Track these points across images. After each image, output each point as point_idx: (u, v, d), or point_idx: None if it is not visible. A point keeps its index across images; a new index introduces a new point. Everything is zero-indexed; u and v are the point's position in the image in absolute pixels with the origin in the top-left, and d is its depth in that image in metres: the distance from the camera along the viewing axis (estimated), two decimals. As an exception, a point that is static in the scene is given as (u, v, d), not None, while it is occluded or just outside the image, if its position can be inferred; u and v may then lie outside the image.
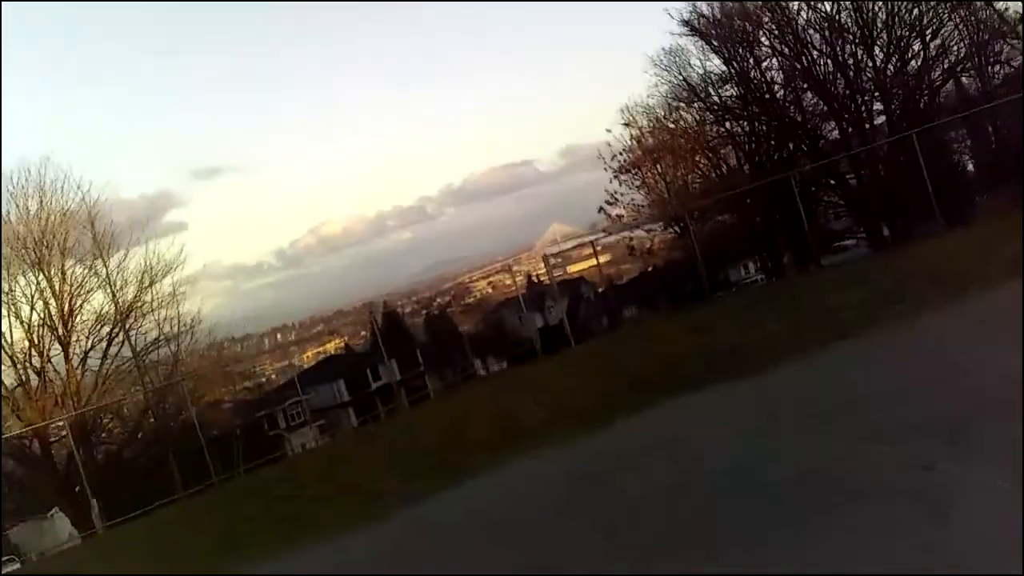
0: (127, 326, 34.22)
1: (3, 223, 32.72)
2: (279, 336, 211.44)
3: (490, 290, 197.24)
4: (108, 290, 33.81)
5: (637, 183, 35.75)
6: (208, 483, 26.46)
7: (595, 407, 12.42)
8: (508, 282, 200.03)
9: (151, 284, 34.55)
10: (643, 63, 40.31)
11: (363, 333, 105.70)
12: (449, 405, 20.80)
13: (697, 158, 40.43)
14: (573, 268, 48.82)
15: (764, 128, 39.17)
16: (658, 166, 36.13)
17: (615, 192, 36.86)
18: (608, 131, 38.66)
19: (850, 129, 36.76)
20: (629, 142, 36.48)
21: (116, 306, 33.84)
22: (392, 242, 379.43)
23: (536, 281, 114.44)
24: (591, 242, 34.66)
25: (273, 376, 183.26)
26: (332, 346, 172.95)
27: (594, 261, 44.11)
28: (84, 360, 33.71)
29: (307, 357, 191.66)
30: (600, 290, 77.87)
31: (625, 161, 36.39)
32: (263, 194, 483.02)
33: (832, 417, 8.82)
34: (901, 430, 7.70)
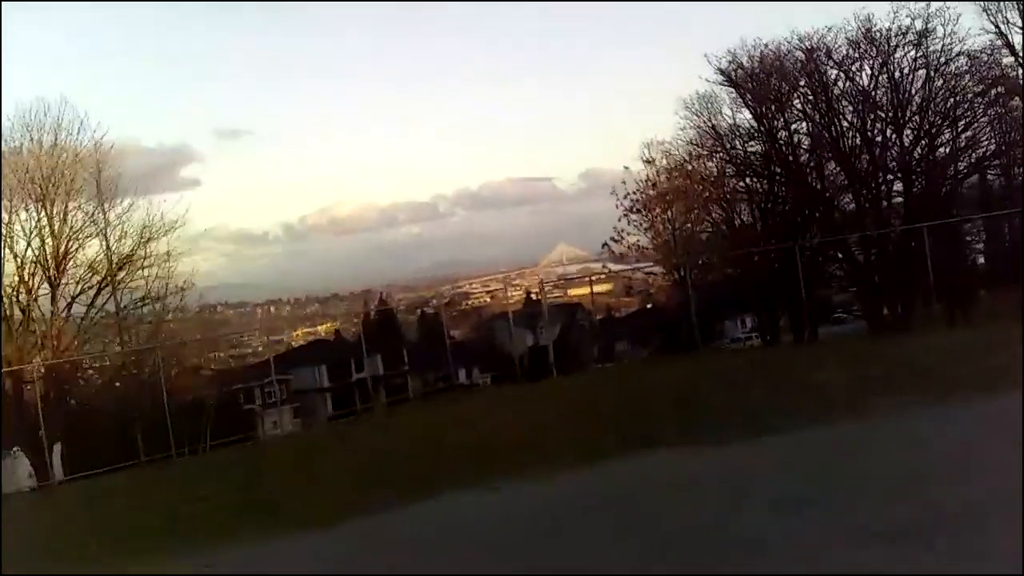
0: (118, 279, 33.97)
1: (14, 153, 32.68)
2: (273, 309, 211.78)
3: (488, 299, 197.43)
4: (103, 242, 33.55)
5: (645, 225, 35.68)
6: (168, 454, 26.31)
7: (555, 448, 12.23)
8: (508, 293, 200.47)
9: (148, 240, 34.26)
10: (675, 103, 40.31)
11: (356, 320, 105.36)
12: (423, 417, 20.72)
13: (711, 208, 40.33)
14: (574, 292, 48.60)
15: (783, 190, 39.09)
16: (670, 211, 36.02)
17: (622, 230, 36.78)
18: (625, 168, 38.70)
19: (867, 205, 36.65)
20: (643, 183, 36.48)
21: (109, 259, 33.61)
22: (400, 234, 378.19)
23: (534, 298, 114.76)
24: (588, 278, 34.63)
25: (260, 348, 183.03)
26: (324, 329, 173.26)
27: (597, 288, 44.08)
28: (70, 306, 33.53)
29: (297, 335, 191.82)
30: (597, 318, 77.84)
31: (636, 201, 36.35)
32: (280, 165, 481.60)
33: (786, 506, 8.56)
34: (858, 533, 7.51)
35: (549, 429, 13.81)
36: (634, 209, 36.01)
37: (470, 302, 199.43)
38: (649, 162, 40.04)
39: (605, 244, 39.71)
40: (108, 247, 34.08)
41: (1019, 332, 17.39)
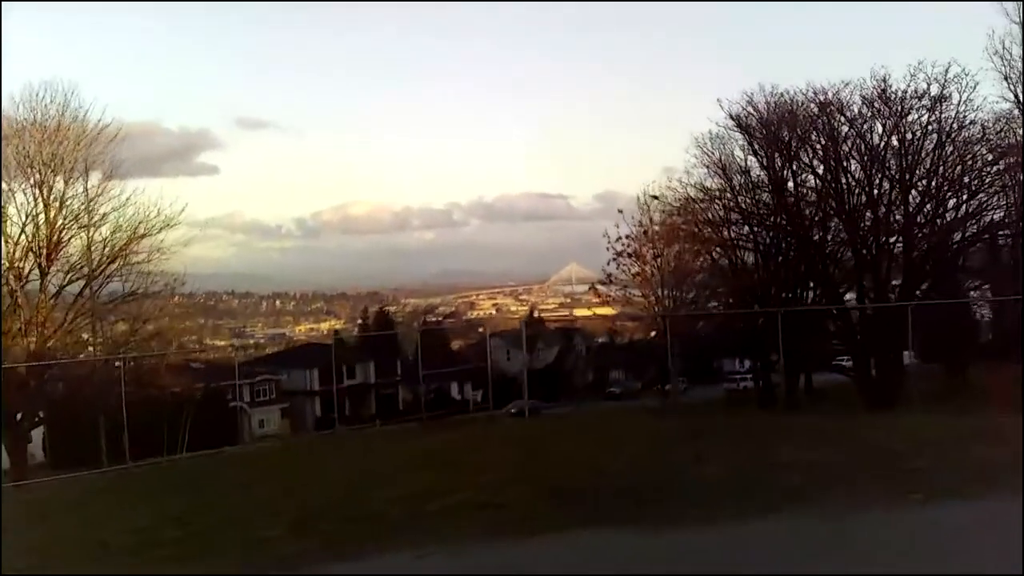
0: (107, 271, 33.89)
1: (16, 135, 32.61)
2: (278, 303, 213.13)
3: (494, 312, 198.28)
4: (89, 233, 33.47)
5: (635, 270, 35.43)
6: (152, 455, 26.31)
7: (503, 512, 11.93)
8: (513, 308, 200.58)
9: (143, 236, 34.12)
10: (687, 140, 40.26)
11: (359, 322, 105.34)
12: (391, 450, 20.46)
13: (709, 252, 40.14)
14: (579, 312, 48.62)
15: (785, 240, 38.86)
16: (659, 258, 35.82)
17: (611, 275, 36.65)
18: (620, 211, 38.56)
19: (867, 263, 36.29)
20: (636, 227, 36.32)
21: (89, 250, 33.49)
22: (412, 239, 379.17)
23: (536, 317, 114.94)
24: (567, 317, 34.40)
25: (262, 340, 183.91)
26: (327, 326, 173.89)
27: (602, 310, 43.87)
28: (58, 294, 33.45)
29: (300, 331, 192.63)
30: (597, 341, 77.85)
31: (626, 246, 36.19)
32: (299, 159, 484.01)
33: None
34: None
35: (494, 487, 13.47)
36: (624, 254, 35.85)
37: (475, 313, 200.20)
38: (655, 198, 39.98)
39: (592, 286, 39.68)
40: (89, 246, 33.92)
41: (1013, 421, 17.17)
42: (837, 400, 35.93)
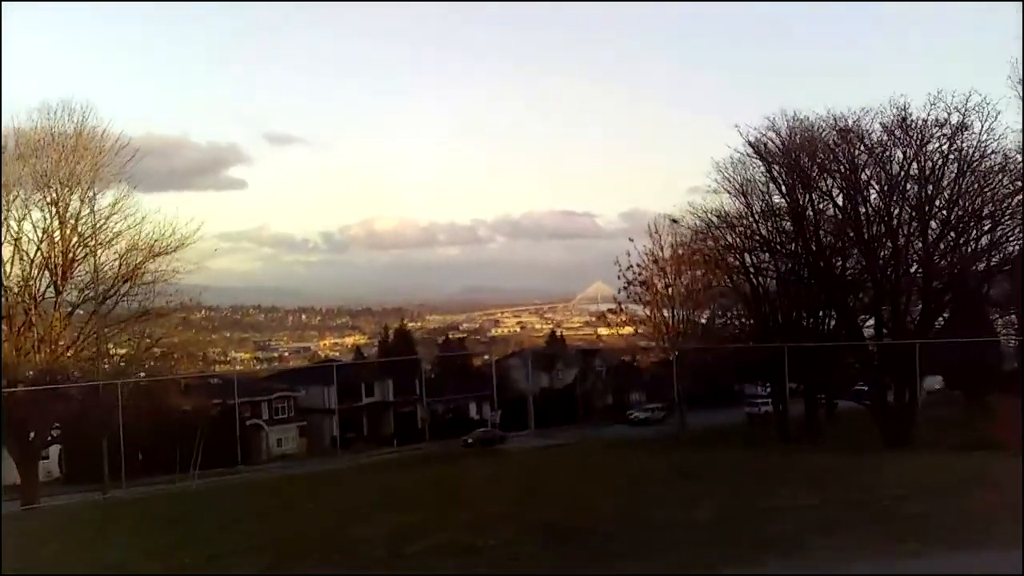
0: (122, 291, 34.02)
1: (32, 155, 32.82)
2: (304, 317, 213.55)
3: (518, 329, 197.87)
4: (101, 253, 33.61)
5: (647, 298, 35.18)
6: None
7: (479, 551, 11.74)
8: (538, 326, 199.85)
9: (158, 255, 34.23)
10: (709, 164, 39.99)
11: (379, 339, 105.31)
12: (384, 483, 20.30)
13: (725, 277, 39.95)
14: (603, 331, 48.36)
15: (804, 269, 38.49)
16: (671, 287, 35.65)
17: (621, 302, 36.46)
18: (631, 240, 38.38)
19: (887, 284, 35.77)
20: (647, 255, 36.13)
21: (97, 271, 33.60)
22: (437, 255, 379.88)
23: (559, 336, 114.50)
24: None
25: (287, 354, 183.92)
26: (351, 341, 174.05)
27: (624, 329, 43.75)
28: (71, 313, 33.57)
29: (324, 345, 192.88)
30: (622, 361, 77.13)
31: (637, 275, 35.99)
32: (326, 174, 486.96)
33: None
34: None
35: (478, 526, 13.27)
36: (635, 282, 35.65)
37: (500, 330, 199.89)
38: (674, 221, 39.87)
39: (603, 315, 39.60)
40: (117, 256, 34.14)
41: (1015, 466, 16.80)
42: (853, 430, 35.47)
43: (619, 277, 35.61)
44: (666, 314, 35.93)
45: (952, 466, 18.31)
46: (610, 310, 39.36)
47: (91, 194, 33.59)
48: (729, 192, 39.72)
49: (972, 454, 20.68)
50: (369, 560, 11.90)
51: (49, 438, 36.20)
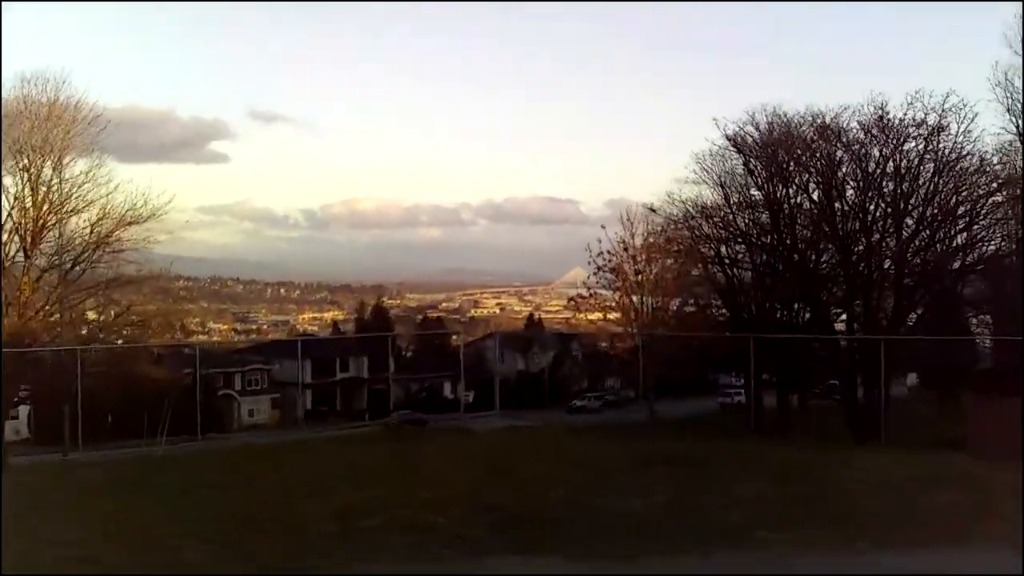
0: (93, 258, 33.79)
1: (5, 120, 32.47)
2: (283, 291, 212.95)
3: (498, 311, 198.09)
4: (72, 220, 33.38)
5: (617, 285, 35.26)
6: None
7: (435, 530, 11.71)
8: (517, 308, 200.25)
9: (131, 224, 33.97)
10: (688, 157, 40.04)
11: (355, 316, 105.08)
12: (347, 458, 20.25)
13: (704, 266, 40.09)
14: (584, 315, 48.07)
15: (779, 262, 38.62)
16: (644, 271, 35.67)
17: (591, 288, 36.52)
18: (603, 227, 38.48)
19: (859, 280, 35.93)
20: (618, 243, 36.12)
21: (60, 236, 33.33)
22: (419, 236, 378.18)
23: (537, 320, 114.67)
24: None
25: (265, 327, 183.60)
26: (330, 316, 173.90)
27: (593, 314, 43.68)
28: (40, 279, 33.31)
29: (303, 319, 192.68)
30: (601, 345, 77.14)
31: (608, 261, 36.00)
32: (310, 152, 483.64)
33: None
34: None
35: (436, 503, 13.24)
36: (605, 268, 35.72)
37: (479, 311, 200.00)
38: (653, 210, 39.95)
39: (571, 299, 39.69)
40: (88, 224, 33.89)
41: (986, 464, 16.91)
42: (823, 425, 35.60)
43: (589, 263, 35.69)
44: (635, 300, 35.97)
45: (914, 464, 18.40)
46: (580, 295, 39.39)
47: (64, 162, 33.29)
48: (708, 183, 39.85)
49: (936, 453, 20.78)
50: (318, 535, 11.87)
51: (16, 399, 36.04)
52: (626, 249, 35.64)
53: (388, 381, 64.30)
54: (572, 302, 39.51)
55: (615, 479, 15.90)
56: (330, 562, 10.64)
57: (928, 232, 35.71)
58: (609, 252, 35.60)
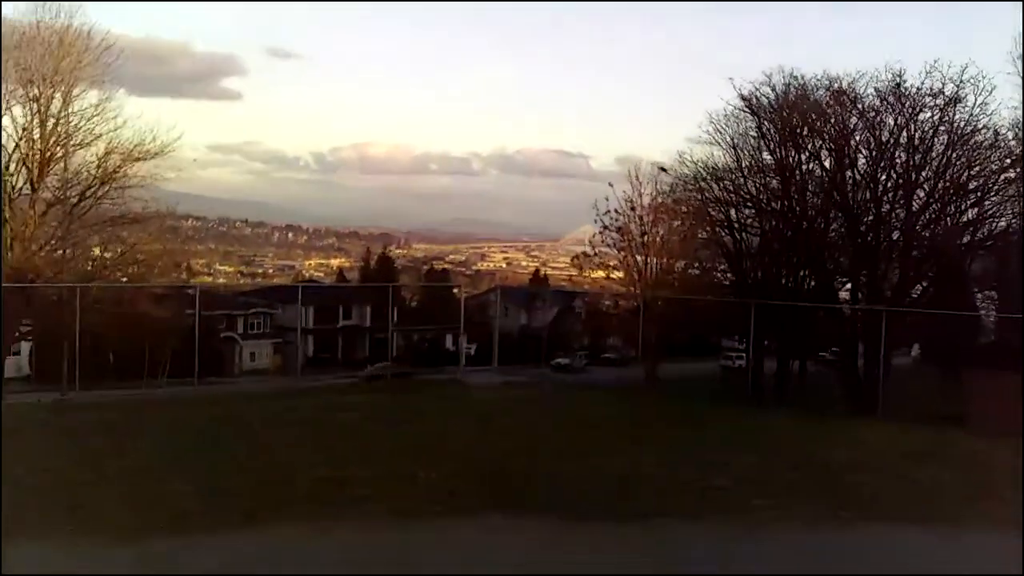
0: (99, 194, 33.64)
1: (15, 48, 32.17)
2: (290, 235, 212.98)
3: (504, 265, 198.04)
4: (79, 153, 33.19)
5: (622, 244, 35.04)
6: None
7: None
8: (524, 263, 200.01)
9: (137, 159, 33.79)
10: (703, 116, 39.61)
11: (361, 263, 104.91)
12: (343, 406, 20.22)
13: (713, 229, 39.89)
14: (591, 272, 47.66)
15: (787, 230, 38.31)
16: (650, 231, 35.47)
17: (596, 247, 36.34)
18: (610, 184, 38.20)
19: (867, 250, 35.67)
20: (625, 202, 35.87)
21: (66, 170, 33.14)
22: (428, 184, 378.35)
23: (543, 276, 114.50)
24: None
25: (271, 271, 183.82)
26: (336, 263, 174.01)
27: (596, 273, 43.56)
28: (46, 213, 33.19)
29: (309, 264, 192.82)
30: (596, 306, 76.97)
31: (615, 220, 35.81)
32: (323, 94, 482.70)
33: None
34: None
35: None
36: (612, 227, 35.53)
37: (486, 264, 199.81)
38: (663, 169, 39.71)
39: (575, 257, 39.55)
40: (96, 158, 33.71)
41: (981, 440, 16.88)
42: (821, 393, 35.59)
43: (595, 221, 35.52)
44: (639, 260, 35.84)
45: (908, 438, 18.40)
46: (583, 253, 39.26)
47: (73, 93, 33.04)
48: (720, 145, 39.47)
49: (934, 427, 20.75)
50: (304, 484, 11.87)
51: (17, 334, 36.01)
52: (633, 209, 35.49)
53: (390, 331, 64.15)
54: (576, 260, 39.37)
55: (606, 440, 15.92)
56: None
57: (938, 205, 35.31)
58: (616, 211, 35.51)
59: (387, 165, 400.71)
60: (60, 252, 33.75)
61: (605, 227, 36.03)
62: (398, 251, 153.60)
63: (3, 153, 32.37)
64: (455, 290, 76.41)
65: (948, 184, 34.50)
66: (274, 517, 10.43)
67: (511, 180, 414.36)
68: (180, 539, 9.66)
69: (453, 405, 21.35)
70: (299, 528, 10.12)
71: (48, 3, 32.74)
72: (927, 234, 35.41)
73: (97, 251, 35.03)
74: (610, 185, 38.28)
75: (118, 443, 14.50)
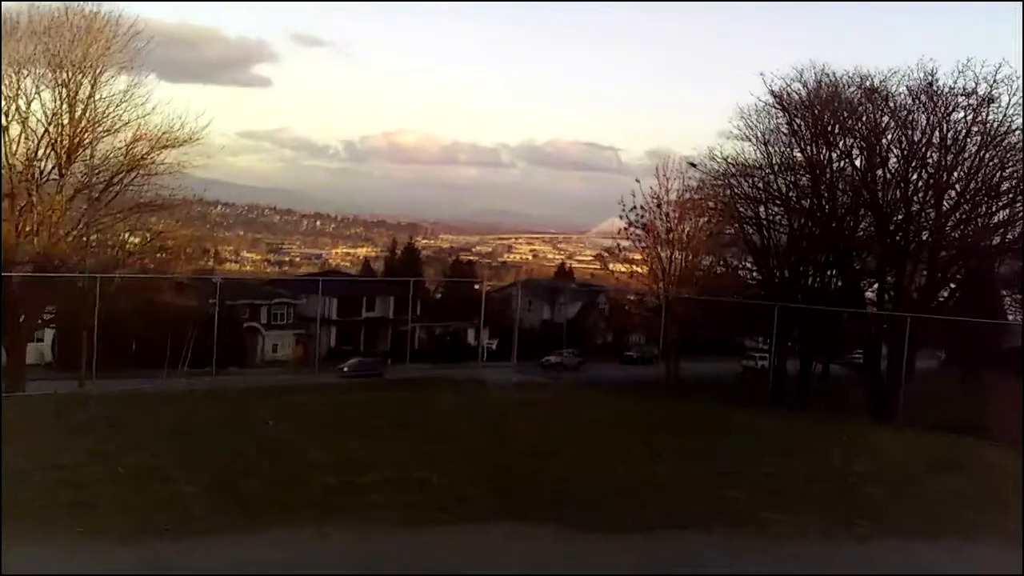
0: (126, 181, 33.69)
1: (44, 33, 32.25)
2: (318, 223, 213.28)
3: (530, 257, 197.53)
4: (92, 147, 33.23)
5: (647, 242, 34.72)
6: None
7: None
8: (550, 256, 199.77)
9: (165, 147, 33.81)
10: (733, 111, 39.23)
11: (387, 254, 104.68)
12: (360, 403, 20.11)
13: (740, 226, 39.61)
14: (616, 267, 47.21)
15: (815, 229, 37.91)
16: (675, 228, 35.17)
17: (620, 245, 36.10)
18: (637, 181, 37.98)
19: (895, 251, 35.27)
20: (651, 199, 35.56)
21: (92, 157, 33.18)
22: (457, 174, 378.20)
23: (568, 269, 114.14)
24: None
25: (298, 259, 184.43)
26: (363, 252, 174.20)
27: (637, 268, 43.29)
28: (73, 198, 33.25)
29: (336, 253, 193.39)
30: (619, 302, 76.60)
31: (640, 217, 35.48)
32: (352, 82, 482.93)
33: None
34: None
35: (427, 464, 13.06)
36: (638, 225, 35.22)
37: (512, 256, 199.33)
38: (693, 165, 39.45)
39: (599, 255, 39.34)
40: (123, 145, 33.74)
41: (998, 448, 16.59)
42: (843, 397, 35.24)
43: (621, 217, 35.24)
44: (663, 257, 35.54)
45: (928, 447, 18.14)
46: (607, 249, 39.05)
47: (102, 79, 33.09)
48: (750, 140, 39.08)
49: (956, 436, 20.42)
50: (318, 488, 11.74)
51: (40, 321, 36.18)
52: (659, 206, 35.19)
53: (413, 324, 64.04)
54: (601, 256, 39.17)
55: (623, 444, 15.69)
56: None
57: (969, 206, 34.87)
58: (642, 208, 35.26)
59: (416, 154, 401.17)
60: (86, 238, 33.82)
61: (631, 223, 35.80)
62: (425, 241, 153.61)
63: (24, 136, 32.49)
64: (476, 286, 76.09)
65: (980, 185, 33.99)
66: (281, 521, 10.31)
67: (540, 172, 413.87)
68: (184, 542, 9.57)
69: (467, 405, 21.06)
70: (305, 532, 10.01)
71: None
72: (956, 235, 34.92)
73: (125, 236, 34.92)
74: (637, 181, 38.12)
75: (124, 441, 14.34)
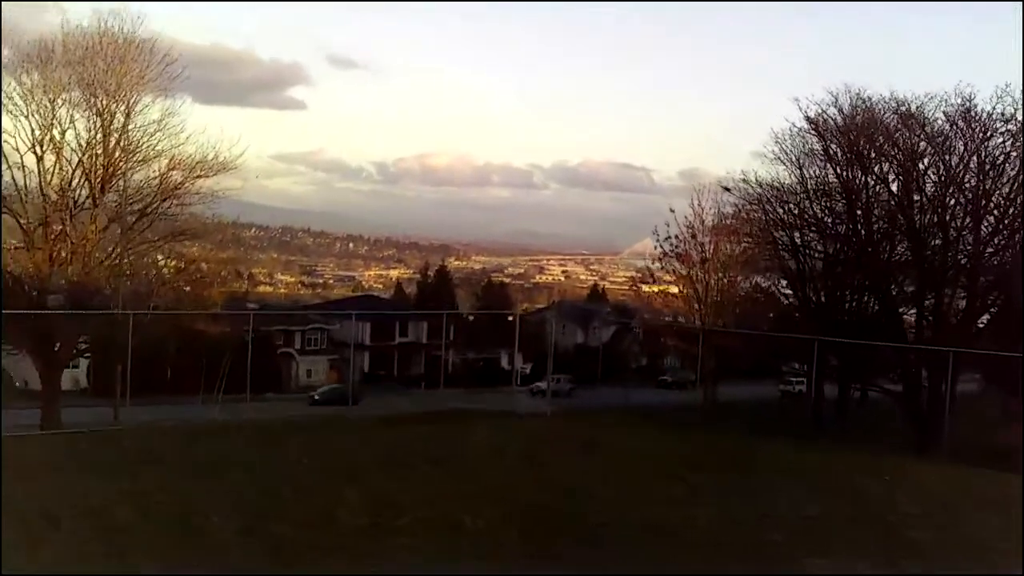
0: (160, 209, 33.78)
1: (78, 63, 32.42)
2: (351, 245, 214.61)
3: (563, 278, 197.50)
4: (126, 176, 33.33)
5: (682, 273, 34.39)
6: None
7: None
8: (583, 277, 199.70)
9: (199, 176, 33.89)
10: (767, 136, 38.91)
11: (419, 277, 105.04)
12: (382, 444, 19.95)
13: (775, 251, 39.28)
14: (647, 288, 46.77)
15: (851, 253, 37.47)
16: (710, 258, 34.85)
17: (653, 273, 35.75)
18: (671, 210, 37.83)
19: (933, 277, 34.74)
20: (686, 228, 35.32)
21: (126, 188, 33.26)
22: (489, 196, 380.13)
23: (601, 291, 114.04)
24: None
25: (331, 281, 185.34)
26: (395, 274, 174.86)
27: (672, 288, 43.11)
28: (107, 228, 33.39)
29: (368, 275, 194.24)
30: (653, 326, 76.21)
31: (674, 247, 35.20)
32: (385, 104, 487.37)
33: None
34: None
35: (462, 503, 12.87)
36: (672, 254, 34.96)
37: (544, 277, 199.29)
38: (727, 189, 39.24)
39: (633, 282, 39.14)
40: (158, 174, 33.84)
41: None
42: (883, 426, 34.65)
43: (656, 247, 35.00)
44: (699, 289, 35.21)
45: (971, 482, 17.73)
46: (640, 278, 38.87)
47: (137, 107, 33.23)
48: (785, 164, 38.77)
49: (1000, 470, 19.90)
50: (348, 529, 11.58)
51: (75, 351, 36.33)
52: (694, 236, 34.96)
53: (447, 348, 64.07)
54: (634, 283, 38.99)
55: (659, 485, 15.38)
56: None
57: (1007, 232, 34.33)
58: (676, 237, 35.04)
59: (448, 176, 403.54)
60: (119, 267, 33.93)
61: (665, 254, 35.58)
62: (457, 263, 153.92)
63: (58, 167, 32.66)
64: (510, 318, 75.98)
65: (1019, 210, 33.45)
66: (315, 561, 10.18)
67: (572, 192, 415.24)
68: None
69: (499, 440, 20.71)
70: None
71: (110, 13, 33.08)
72: (996, 261, 34.38)
73: (159, 262, 35.03)
74: (671, 211, 37.91)
75: (156, 479, 14.21)
